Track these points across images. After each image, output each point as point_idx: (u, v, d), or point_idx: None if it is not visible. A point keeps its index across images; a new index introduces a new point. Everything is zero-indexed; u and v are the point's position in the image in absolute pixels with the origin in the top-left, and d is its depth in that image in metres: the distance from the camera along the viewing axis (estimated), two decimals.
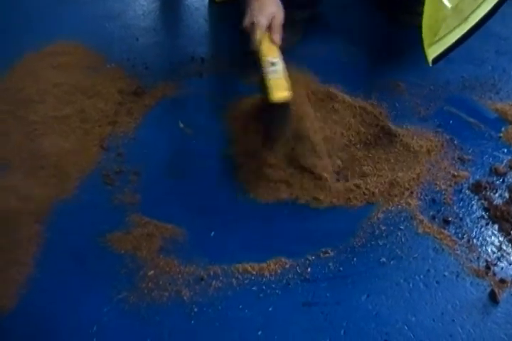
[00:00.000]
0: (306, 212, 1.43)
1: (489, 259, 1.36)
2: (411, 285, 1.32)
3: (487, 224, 1.43)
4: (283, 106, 1.40)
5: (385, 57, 1.87)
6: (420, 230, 1.41)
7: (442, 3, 1.51)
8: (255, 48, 1.49)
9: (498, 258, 1.36)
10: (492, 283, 1.32)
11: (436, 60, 1.61)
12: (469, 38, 1.59)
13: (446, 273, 1.33)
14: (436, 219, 1.43)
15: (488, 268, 1.34)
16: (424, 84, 1.76)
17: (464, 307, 1.29)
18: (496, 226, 1.42)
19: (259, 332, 1.21)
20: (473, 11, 1.54)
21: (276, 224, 1.41)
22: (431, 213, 1.46)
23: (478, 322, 1.26)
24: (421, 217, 1.43)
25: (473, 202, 1.47)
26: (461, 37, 1.58)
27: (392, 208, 1.46)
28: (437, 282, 1.32)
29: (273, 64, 1.44)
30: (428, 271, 1.34)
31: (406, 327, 1.23)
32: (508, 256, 1.37)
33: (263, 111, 1.49)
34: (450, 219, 1.42)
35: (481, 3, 1.53)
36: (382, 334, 1.22)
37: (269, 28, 1.50)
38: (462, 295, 1.31)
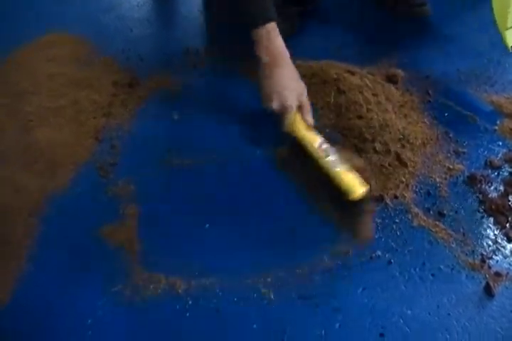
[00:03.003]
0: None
1: (484, 252, 1.36)
2: (406, 278, 1.32)
3: (482, 217, 1.43)
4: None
5: (381, 50, 1.85)
6: (415, 223, 1.40)
7: None
8: (289, 130, 1.49)
9: (494, 252, 1.36)
10: (487, 276, 1.33)
11: None
12: None
13: (441, 266, 1.33)
14: (432, 212, 1.43)
15: (483, 261, 1.34)
16: (420, 77, 1.73)
17: (459, 301, 1.29)
18: (491, 220, 1.42)
19: (254, 326, 1.20)
20: None
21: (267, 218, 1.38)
22: (426, 206, 1.46)
23: (474, 316, 1.26)
24: (416, 210, 1.43)
25: (468, 195, 1.47)
26: None
27: (388, 201, 1.41)
28: (433, 275, 1.32)
29: (326, 151, 1.43)
30: (423, 264, 1.34)
31: (402, 321, 1.24)
32: (503, 250, 1.37)
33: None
34: (445, 212, 1.42)
35: None
36: (378, 327, 1.23)
37: (299, 107, 1.47)
38: (457, 288, 1.31)
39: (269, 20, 1.45)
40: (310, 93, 1.53)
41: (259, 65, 1.48)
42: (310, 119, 1.47)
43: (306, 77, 1.71)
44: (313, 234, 1.40)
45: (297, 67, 1.54)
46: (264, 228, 1.38)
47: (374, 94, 1.66)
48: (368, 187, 1.37)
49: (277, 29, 1.47)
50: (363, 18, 2.01)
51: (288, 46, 1.48)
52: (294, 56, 1.51)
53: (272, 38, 1.47)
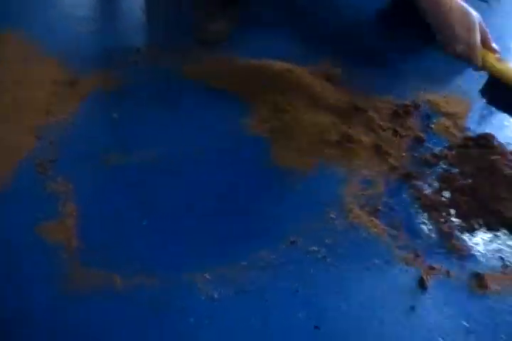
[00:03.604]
0: None
1: (418, 247, 1.39)
2: (341, 272, 1.35)
3: (417, 212, 1.45)
4: None
5: (324, 50, 1.88)
6: (350, 219, 1.42)
7: None
8: (484, 68, 1.50)
9: (428, 246, 1.38)
10: (421, 269, 1.35)
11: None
12: None
13: (376, 261, 1.36)
14: (367, 208, 1.45)
15: (417, 255, 1.38)
16: (360, 74, 1.77)
17: (393, 294, 1.32)
18: (426, 215, 1.44)
19: (192, 319, 1.22)
20: None
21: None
22: (361, 202, 1.47)
23: (407, 309, 1.29)
24: (351, 205, 1.44)
25: (403, 192, 1.48)
26: None
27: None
28: (367, 269, 1.35)
29: None
30: (358, 258, 1.37)
31: (336, 314, 1.25)
32: (434, 244, 1.41)
33: None
34: (380, 207, 1.44)
35: None
36: (313, 320, 1.25)
37: (482, 41, 1.43)
38: (391, 281, 1.34)
39: None
40: (249, 90, 1.55)
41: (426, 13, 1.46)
42: (495, 46, 1.46)
43: (246, 73, 1.73)
44: (251, 229, 1.42)
45: (237, 64, 1.55)
46: (203, 224, 1.37)
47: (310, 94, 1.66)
48: None
49: None
50: (306, 20, 2.01)
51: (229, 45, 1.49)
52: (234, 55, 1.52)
53: None
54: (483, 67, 1.47)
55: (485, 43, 1.44)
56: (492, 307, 1.33)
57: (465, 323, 1.28)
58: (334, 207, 1.47)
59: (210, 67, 1.83)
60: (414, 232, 1.45)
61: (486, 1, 2.25)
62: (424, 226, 1.46)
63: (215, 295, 1.29)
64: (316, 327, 1.23)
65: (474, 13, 1.42)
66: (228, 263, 1.34)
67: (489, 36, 1.45)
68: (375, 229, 1.41)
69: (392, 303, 1.31)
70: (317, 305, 1.29)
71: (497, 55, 1.46)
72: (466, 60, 1.48)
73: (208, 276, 1.30)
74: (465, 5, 1.43)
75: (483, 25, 1.44)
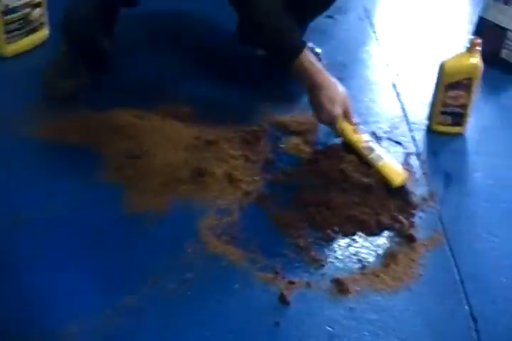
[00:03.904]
0: None
1: (277, 265, 1.44)
2: (203, 304, 1.38)
3: (273, 233, 1.53)
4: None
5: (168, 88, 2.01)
6: (209, 251, 1.48)
7: None
8: (340, 136, 1.77)
9: (286, 263, 1.44)
10: (281, 286, 1.39)
11: None
12: None
13: (236, 286, 1.40)
14: (224, 237, 1.52)
15: (276, 273, 1.42)
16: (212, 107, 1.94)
17: (256, 314, 1.36)
18: (282, 233, 1.50)
19: None
20: None
21: None
22: (217, 232, 1.53)
23: (271, 325, 1.33)
24: (208, 238, 1.50)
25: (258, 215, 1.54)
26: None
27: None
28: (229, 295, 1.38)
29: (371, 149, 1.71)
30: (218, 288, 1.40)
31: None
32: (293, 259, 1.47)
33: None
34: (235, 234, 1.51)
35: None
36: None
37: (344, 114, 1.72)
38: (254, 303, 1.38)
39: (304, 45, 1.72)
40: (100, 141, 1.72)
41: (305, 84, 1.75)
42: (353, 121, 1.73)
43: (97, 126, 1.85)
44: (112, 277, 1.46)
45: (87, 118, 1.77)
46: (65, 276, 1.40)
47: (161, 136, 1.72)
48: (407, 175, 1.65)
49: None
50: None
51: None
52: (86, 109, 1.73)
53: (310, 57, 1.73)
54: (341, 135, 1.75)
55: (346, 116, 1.73)
56: (354, 308, 1.38)
57: (329, 328, 1.33)
58: (191, 241, 1.50)
59: (60, 124, 1.89)
60: (272, 252, 1.49)
61: (332, 17, 2.37)
62: (281, 245, 1.49)
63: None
64: None
65: (341, 89, 1.72)
66: (92, 312, 1.34)
67: (350, 111, 1.73)
68: (233, 256, 1.45)
69: (256, 323, 1.34)
70: (179, 337, 1.32)
71: (354, 127, 1.75)
72: (328, 127, 1.76)
73: (74, 328, 1.30)
74: (334, 81, 1.73)
75: (347, 100, 1.73)
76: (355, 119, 1.74)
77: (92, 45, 1.99)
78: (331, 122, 1.71)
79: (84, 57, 1.99)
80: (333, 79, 1.71)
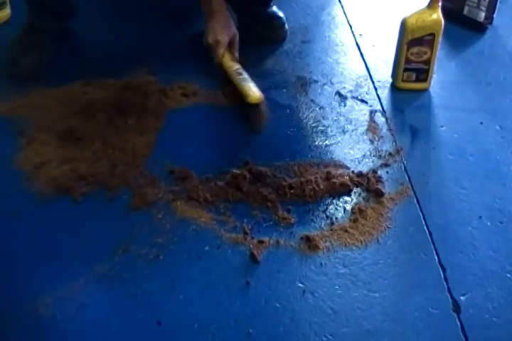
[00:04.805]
0: None
1: (246, 225, 1.46)
2: (175, 267, 1.40)
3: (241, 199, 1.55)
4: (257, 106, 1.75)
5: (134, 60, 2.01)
6: (178, 215, 1.48)
7: None
8: (218, 62, 1.88)
9: (254, 223, 1.46)
10: (251, 246, 1.41)
11: None
12: None
13: (206, 248, 1.42)
14: (191, 201, 1.52)
15: (245, 233, 1.43)
16: None
17: (228, 274, 1.37)
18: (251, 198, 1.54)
19: None
20: None
21: None
22: (184, 195, 1.55)
23: (243, 285, 1.35)
24: (178, 202, 1.52)
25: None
26: None
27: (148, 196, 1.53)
28: (199, 257, 1.40)
29: (240, 73, 1.83)
30: (189, 250, 1.41)
31: (176, 307, 1.31)
32: (261, 219, 1.50)
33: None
34: (201, 199, 1.54)
35: None
36: (154, 318, 1.30)
37: (229, 45, 1.86)
38: (224, 264, 1.39)
39: None
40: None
41: (204, 11, 1.93)
42: (236, 54, 1.89)
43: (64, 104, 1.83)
44: (84, 247, 1.46)
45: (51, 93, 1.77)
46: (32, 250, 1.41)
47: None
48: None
49: None
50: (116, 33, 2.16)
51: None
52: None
53: None
54: (220, 61, 1.90)
55: (231, 47, 1.90)
56: (324, 264, 1.41)
57: (300, 285, 1.35)
58: (160, 206, 1.51)
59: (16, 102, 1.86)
60: (241, 214, 1.52)
61: None
62: (249, 207, 1.54)
63: (58, 316, 1.31)
64: (158, 323, 1.26)
65: (235, 29, 1.92)
66: (65, 283, 1.36)
67: (236, 45, 1.92)
68: (202, 219, 1.46)
69: (227, 283, 1.36)
70: (156, 302, 1.32)
71: (234, 59, 1.92)
72: (211, 52, 1.89)
73: (48, 300, 1.30)
74: (229, 17, 1.94)
75: (237, 38, 1.93)
76: (237, 55, 1.90)
77: None
78: (214, 45, 1.85)
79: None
80: (229, 16, 1.92)
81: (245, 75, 1.81)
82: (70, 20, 2.05)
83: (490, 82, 1.99)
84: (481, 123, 1.81)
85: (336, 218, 1.49)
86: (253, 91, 1.75)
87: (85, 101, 1.78)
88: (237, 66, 1.85)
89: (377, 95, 1.87)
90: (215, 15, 1.87)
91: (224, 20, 1.87)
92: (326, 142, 1.72)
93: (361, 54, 2.07)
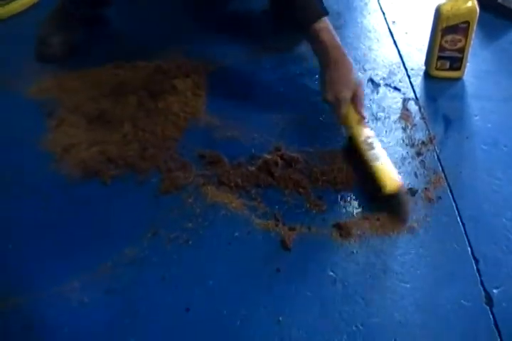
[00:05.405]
0: None
1: (277, 212, 1.43)
2: (205, 252, 1.39)
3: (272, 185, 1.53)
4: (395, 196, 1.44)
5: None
6: (209, 200, 1.47)
7: None
8: (342, 122, 1.58)
9: (286, 209, 1.45)
10: (282, 232, 1.39)
11: None
12: None
13: (236, 234, 1.40)
14: (222, 186, 1.51)
15: (276, 219, 1.42)
16: None
17: (258, 261, 1.36)
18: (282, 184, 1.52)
19: (65, 329, 1.27)
20: None
21: None
22: (215, 180, 1.53)
23: (273, 272, 1.34)
24: (208, 187, 1.50)
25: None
26: None
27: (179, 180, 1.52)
28: (229, 243, 1.39)
29: (370, 146, 1.51)
30: (219, 235, 1.41)
31: (205, 293, 1.29)
32: (293, 206, 1.47)
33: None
34: (232, 184, 1.51)
35: None
36: (183, 303, 1.29)
37: (353, 100, 1.53)
38: (255, 250, 1.38)
39: (326, 12, 1.59)
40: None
41: (319, 58, 1.61)
42: (362, 111, 1.53)
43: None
44: (112, 230, 1.45)
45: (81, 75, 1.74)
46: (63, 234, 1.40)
47: None
48: (401, 182, 1.45)
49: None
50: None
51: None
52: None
53: (331, 30, 1.58)
54: (344, 122, 1.58)
55: (354, 104, 1.54)
56: (356, 252, 1.38)
57: (331, 273, 1.33)
58: (190, 191, 1.50)
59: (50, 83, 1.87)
60: (272, 200, 1.50)
61: None
62: (281, 193, 1.52)
63: (86, 300, 1.29)
64: (187, 309, 1.25)
65: (356, 78, 1.55)
66: (93, 266, 1.35)
67: (361, 100, 1.56)
68: (233, 204, 1.44)
69: (258, 270, 1.35)
70: (185, 287, 1.31)
71: (361, 119, 1.56)
72: (332, 109, 1.59)
73: (75, 284, 1.29)
74: (350, 61, 1.59)
75: (361, 89, 1.57)
76: (363, 113, 1.57)
77: None
78: (335, 103, 1.54)
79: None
80: (350, 60, 1.57)
81: (377, 149, 1.51)
82: (104, 9, 2.00)
83: None
84: None
85: (368, 206, 1.43)
86: (390, 178, 1.47)
87: (116, 84, 1.74)
88: (366, 133, 1.53)
89: (411, 83, 1.83)
90: (332, 64, 1.58)
91: (344, 71, 1.56)
92: None
93: (394, 41, 2.03)
